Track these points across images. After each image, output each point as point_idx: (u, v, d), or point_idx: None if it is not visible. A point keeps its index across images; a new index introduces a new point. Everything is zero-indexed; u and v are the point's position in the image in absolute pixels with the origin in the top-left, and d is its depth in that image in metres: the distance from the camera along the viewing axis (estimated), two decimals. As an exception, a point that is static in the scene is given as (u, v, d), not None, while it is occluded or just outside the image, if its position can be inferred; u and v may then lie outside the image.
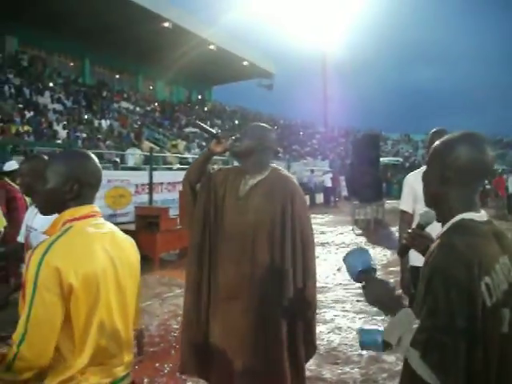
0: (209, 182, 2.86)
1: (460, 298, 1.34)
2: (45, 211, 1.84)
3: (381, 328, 1.63)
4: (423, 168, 3.85)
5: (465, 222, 1.52)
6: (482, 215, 1.55)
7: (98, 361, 1.66)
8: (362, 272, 1.68)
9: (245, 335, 2.67)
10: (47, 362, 1.56)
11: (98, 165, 1.85)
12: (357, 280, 1.69)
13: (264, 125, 3.00)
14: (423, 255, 1.93)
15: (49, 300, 1.53)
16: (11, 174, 6.48)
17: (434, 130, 3.68)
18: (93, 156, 1.85)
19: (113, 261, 1.74)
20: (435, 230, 2.11)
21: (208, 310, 2.79)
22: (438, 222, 1.72)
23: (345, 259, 1.77)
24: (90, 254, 1.66)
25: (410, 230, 1.98)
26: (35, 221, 2.95)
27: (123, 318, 1.78)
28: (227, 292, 2.72)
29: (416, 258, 3.28)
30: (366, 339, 1.67)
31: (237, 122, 37.82)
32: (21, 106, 18.20)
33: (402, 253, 2.11)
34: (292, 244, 2.74)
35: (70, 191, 1.75)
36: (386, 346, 1.59)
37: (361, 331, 1.70)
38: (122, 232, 1.92)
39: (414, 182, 3.72)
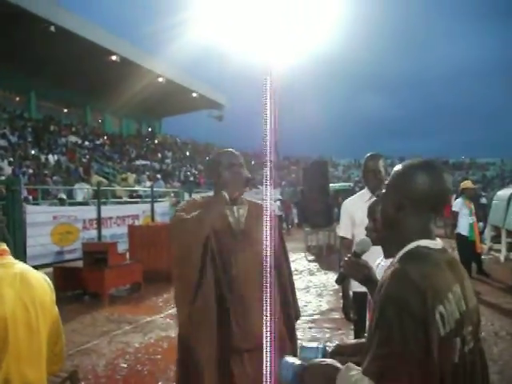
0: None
1: (414, 326, 1.31)
2: None
3: (294, 363, 1.62)
4: (360, 193, 3.93)
5: (419, 249, 1.50)
6: (437, 243, 1.54)
7: None
8: (295, 376, 1.64)
9: None
10: None
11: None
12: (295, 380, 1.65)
13: (233, 152, 2.83)
14: (360, 283, 1.95)
15: None
16: None
17: (369, 154, 3.77)
18: None
19: (23, 302, 1.67)
20: (372, 257, 2.14)
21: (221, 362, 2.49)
22: (385, 246, 1.76)
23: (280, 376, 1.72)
24: None
25: (346, 259, 1.99)
26: None
27: (36, 362, 1.70)
28: (246, 340, 2.51)
29: (358, 284, 3.30)
30: (283, 370, 1.66)
31: (188, 153, 37.75)
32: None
33: (340, 281, 2.12)
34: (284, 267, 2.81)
35: None
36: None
37: (282, 363, 1.68)
38: (34, 270, 1.84)
39: (351, 208, 3.77)
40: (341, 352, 1.87)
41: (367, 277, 1.92)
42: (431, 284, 1.38)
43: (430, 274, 1.41)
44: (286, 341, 2.68)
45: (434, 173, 1.53)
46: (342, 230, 3.84)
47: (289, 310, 2.77)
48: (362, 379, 1.35)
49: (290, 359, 1.67)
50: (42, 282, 1.83)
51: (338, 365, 1.51)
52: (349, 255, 1.99)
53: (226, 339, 2.50)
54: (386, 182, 1.67)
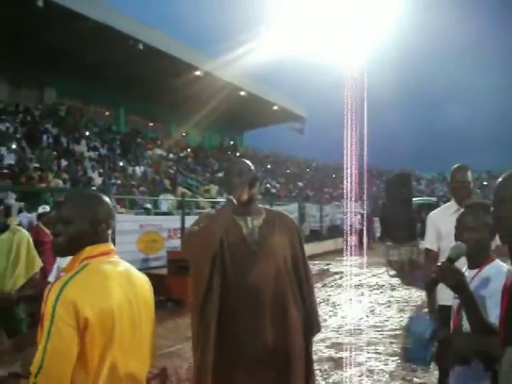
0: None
1: None
2: (66, 253, 1.90)
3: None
4: (446, 205, 3.85)
5: None
6: None
7: None
8: (433, 335, 1.68)
9: None
10: None
11: (111, 205, 1.94)
12: (432, 342, 1.69)
13: (245, 161, 2.77)
14: (452, 289, 1.93)
15: (65, 332, 1.59)
16: (43, 218, 6.72)
17: (456, 165, 3.69)
18: (104, 196, 1.94)
19: (128, 298, 1.80)
20: (461, 265, 2.11)
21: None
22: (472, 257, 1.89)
23: (408, 328, 1.76)
24: (107, 290, 1.72)
25: (439, 263, 1.98)
26: (66, 260, 3.04)
27: (137, 355, 1.82)
28: (269, 352, 2.49)
29: (443, 297, 3.22)
30: (414, 327, 1.69)
31: (269, 166, 38.07)
32: (58, 154, 18.78)
33: (431, 287, 2.11)
34: (304, 277, 2.73)
35: (95, 233, 1.83)
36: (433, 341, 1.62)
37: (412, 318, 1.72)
38: (137, 270, 1.97)
39: (437, 220, 3.70)
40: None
41: (460, 283, 1.89)
42: None
43: None
44: (301, 354, 2.61)
45: None
46: (428, 241, 3.77)
47: (306, 324, 2.68)
48: None
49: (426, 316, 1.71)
50: (144, 282, 1.97)
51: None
52: (442, 261, 1.97)
53: (235, 351, 2.46)
54: (494, 199, 1.64)
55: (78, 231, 1.81)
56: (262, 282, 2.50)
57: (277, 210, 2.90)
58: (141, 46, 21.38)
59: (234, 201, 2.45)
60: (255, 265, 2.52)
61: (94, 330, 1.64)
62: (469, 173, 3.62)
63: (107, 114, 29.35)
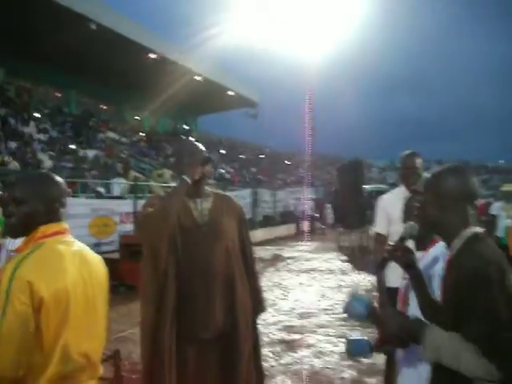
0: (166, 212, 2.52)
1: (501, 295, 1.52)
2: (20, 233, 1.87)
3: (366, 338, 1.73)
4: (396, 191, 3.96)
5: (476, 234, 1.72)
6: (482, 229, 1.76)
7: (65, 375, 1.69)
8: (367, 311, 1.75)
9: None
10: (18, 374, 1.60)
11: (63, 184, 1.92)
12: (367, 318, 1.77)
13: (196, 142, 2.79)
14: (402, 268, 2.01)
15: (20, 311, 1.58)
16: None
17: (406, 152, 3.78)
18: (56, 176, 1.93)
19: (83, 278, 1.80)
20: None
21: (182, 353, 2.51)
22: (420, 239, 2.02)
23: (347, 307, 1.82)
24: (61, 270, 1.72)
25: (391, 243, 2.05)
26: (17, 242, 2.98)
27: (92, 334, 1.82)
28: (217, 331, 2.57)
29: (392, 280, 3.33)
30: (353, 305, 1.75)
31: (223, 151, 37.99)
32: (6, 135, 18.19)
33: (382, 266, 2.18)
34: (250, 259, 2.84)
35: (48, 212, 1.82)
36: (372, 351, 1.69)
37: (349, 341, 1.77)
38: (91, 250, 1.97)
39: (386, 205, 3.80)
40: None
41: (411, 262, 1.97)
42: (499, 258, 1.62)
43: (494, 250, 1.66)
44: (248, 332, 2.70)
45: (461, 173, 1.80)
46: (378, 226, 3.86)
47: (253, 302, 2.77)
48: (465, 343, 1.52)
49: (362, 296, 1.78)
50: (98, 262, 1.97)
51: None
52: (395, 240, 2.05)
53: (188, 329, 2.51)
54: (424, 188, 1.89)
55: (31, 211, 1.80)
56: (213, 262, 2.56)
57: (223, 193, 2.94)
58: (94, 26, 20.83)
59: (188, 180, 2.48)
60: (206, 246, 2.57)
61: (49, 310, 1.63)
62: (419, 159, 3.73)
63: (58, 95, 28.56)
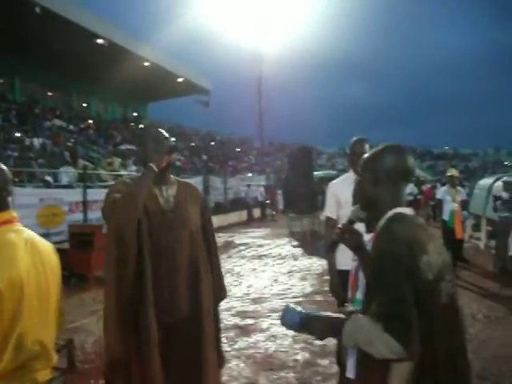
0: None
1: (406, 274, 1.58)
2: None
3: (300, 309, 1.78)
4: (344, 176, 4.06)
5: (398, 214, 1.79)
6: (409, 210, 1.84)
7: (19, 365, 1.69)
8: (300, 323, 1.79)
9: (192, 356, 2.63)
10: None
11: (8, 171, 1.89)
12: (299, 330, 1.81)
13: (161, 129, 2.82)
14: (351, 249, 2.08)
15: None
16: None
17: (355, 138, 3.88)
18: (1, 163, 1.89)
19: (35, 266, 1.79)
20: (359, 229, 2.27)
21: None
22: (368, 221, 2.01)
23: (282, 319, 1.86)
24: (13, 259, 1.70)
25: (340, 225, 2.12)
26: None
27: (46, 322, 1.82)
28: (182, 316, 2.60)
29: (343, 262, 3.42)
30: (287, 318, 1.80)
31: (173, 139, 37.54)
32: None
33: (331, 248, 2.25)
34: (212, 245, 2.91)
35: None
36: (301, 329, 1.75)
37: (284, 311, 1.83)
38: (41, 238, 1.95)
39: (336, 189, 3.90)
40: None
41: (359, 243, 2.04)
42: (414, 238, 1.67)
43: (411, 230, 1.71)
44: (211, 317, 2.77)
45: (398, 152, 1.88)
46: (328, 210, 3.96)
47: (215, 289, 2.84)
48: (370, 322, 1.58)
49: (294, 306, 1.83)
50: (50, 250, 1.96)
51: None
52: (343, 223, 2.12)
53: (156, 315, 2.52)
54: (361, 165, 1.95)
55: None
56: (178, 248, 2.61)
57: (186, 181, 2.98)
58: (38, 10, 20.16)
59: (154, 168, 2.51)
60: (171, 232, 2.61)
61: (3, 300, 1.63)
62: (367, 145, 3.83)
63: (1, 81, 27.59)
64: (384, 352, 1.55)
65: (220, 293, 2.93)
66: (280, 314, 1.83)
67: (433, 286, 1.62)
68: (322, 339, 1.80)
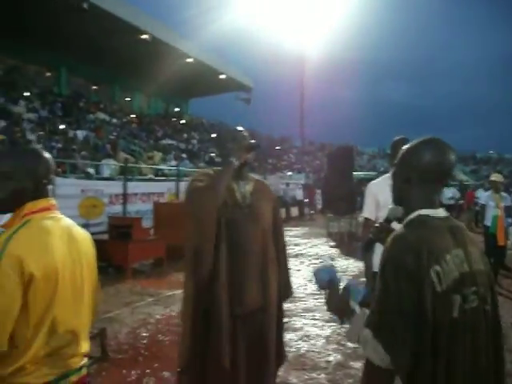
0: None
1: (408, 284, 1.47)
2: (6, 209, 1.85)
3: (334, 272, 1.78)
4: (385, 177, 3.96)
5: (420, 216, 1.66)
6: (438, 212, 1.69)
7: (51, 351, 1.69)
8: (328, 282, 1.78)
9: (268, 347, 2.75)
10: (2, 349, 1.59)
11: (51, 159, 1.90)
12: (321, 287, 1.79)
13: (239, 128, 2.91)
14: None
15: (8, 288, 1.58)
16: None
17: (399, 137, 3.75)
18: (44, 152, 1.90)
19: (71, 254, 1.79)
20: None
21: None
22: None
23: (315, 272, 1.85)
24: (50, 246, 1.71)
25: (377, 224, 2.05)
26: (3, 219, 2.95)
27: (79, 311, 1.82)
28: (250, 309, 2.69)
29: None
30: (320, 274, 1.80)
31: (214, 135, 37.81)
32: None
33: (368, 247, 2.19)
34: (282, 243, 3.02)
35: (35, 188, 1.80)
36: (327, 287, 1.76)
37: (321, 269, 1.82)
38: (78, 226, 1.96)
39: (376, 191, 3.79)
40: None
41: None
42: (427, 246, 1.54)
43: (426, 237, 1.57)
44: (276, 311, 2.86)
45: (437, 147, 1.70)
46: (366, 211, 3.86)
47: (281, 286, 2.91)
48: (364, 329, 1.54)
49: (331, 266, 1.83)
50: (86, 239, 1.96)
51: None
52: (380, 221, 2.05)
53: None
54: (396, 162, 1.83)
55: (18, 186, 1.78)
56: (251, 243, 2.69)
57: (261, 179, 3.06)
58: (85, 5, 20.55)
59: (235, 163, 2.62)
60: (246, 227, 2.69)
61: (38, 285, 1.63)
62: None
63: (48, 74, 28.24)
64: (373, 358, 1.51)
65: (287, 290, 3.02)
66: (318, 265, 1.83)
67: (442, 298, 1.51)
68: (328, 310, 1.77)
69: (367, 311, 1.62)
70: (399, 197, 1.80)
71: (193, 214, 2.63)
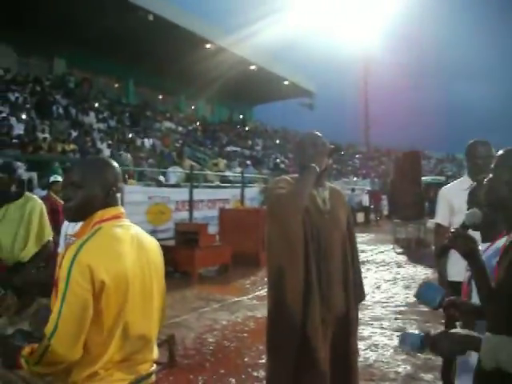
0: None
1: None
2: (77, 217, 1.89)
3: (421, 333, 1.68)
4: (460, 180, 3.78)
5: None
6: None
7: (123, 357, 1.71)
8: (423, 343, 1.70)
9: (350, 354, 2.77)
10: (77, 357, 1.62)
11: (119, 168, 1.94)
12: (421, 350, 1.71)
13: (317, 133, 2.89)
14: (463, 257, 1.88)
15: (80, 296, 1.60)
16: (54, 187, 6.79)
17: (476, 140, 3.53)
18: (112, 161, 1.94)
19: (140, 261, 1.80)
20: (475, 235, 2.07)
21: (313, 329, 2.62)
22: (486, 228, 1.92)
23: (402, 343, 1.78)
24: (120, 253, 1.73)
25: (453, 230, 1.93)
26: (77, 227, 3.02)
27: (148, 318, 1.83)
28: (336, 312, 2.70)
29: (455, 273, 3.18)
30: (407, 341, 1.72)
31: (278, 141, 37.90)
32: (67, 125, 18.81)
33: (442, 253, 2.09)
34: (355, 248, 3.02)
35: (105, 196, 1.83)
36: (422, 349, 1.65)
37: (403, 335, 1.75)
38: (148, 234, 1.97)
39: (450, 195, 3.61)
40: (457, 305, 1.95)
41: (473, 251, 1.83)
42: None
43: None
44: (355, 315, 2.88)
45: None
46: (440, 216, 3.68)
47: (356, 290, 2.90)
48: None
49: (411, 331, 1.75)
50: (155, 246, 1.97)
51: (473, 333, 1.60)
52: (456, 227, 1.93)
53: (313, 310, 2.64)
54: (494, 164, 1.72)
55: (88, 195, 1.81)
56: (334, 248, 2.72)
57: (335, 186, 3.05)
58: (151, 17, 21.18)
59: (317, 169, 2.62)
60: (327, 232, 2.71)
61: (110, 293, 1.65)
62: (493, 149, 3.47)
63: (116, 85, 29.22)
64: None
65: (360, 295, 3.01)
66: (399, 338, 1.73)
67: None
68: (450, 357, 1.66)
69: (492, 335, 1.52)
70: (501, 200, 1.68)
71: (278, 221, 2.65)
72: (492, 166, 1.74)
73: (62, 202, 6.26)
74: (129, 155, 17.50)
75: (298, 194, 2.55)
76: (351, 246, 2.91)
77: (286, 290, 2.63)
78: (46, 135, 16.52)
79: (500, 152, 1.74)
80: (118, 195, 1.93)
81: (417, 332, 1.72)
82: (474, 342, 1.52)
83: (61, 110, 19.99)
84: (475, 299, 2.00)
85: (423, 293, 1.76)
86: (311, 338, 2.59)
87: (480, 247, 2.13)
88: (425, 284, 1.78)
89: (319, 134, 2.85)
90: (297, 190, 2.57)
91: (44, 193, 7.50)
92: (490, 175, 1.74)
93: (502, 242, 2.04)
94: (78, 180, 1.81)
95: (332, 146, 2.77)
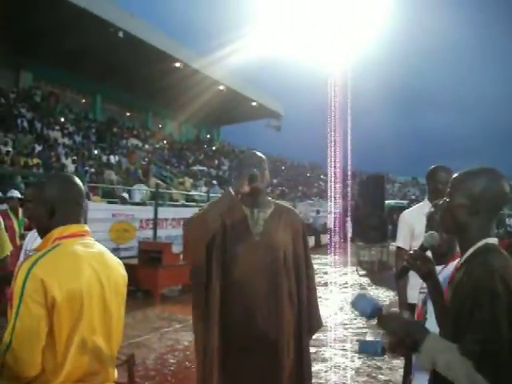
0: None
1: (503, 311, 1.45)
2: (39, 232, 1.91)
3: (378, 339, 1.72)
4: (420, 205, 3.87)
5: (491, 245, 1.65)
6: (496, 240, 1.69)
7: (80, 377, 1.68)
8: (375, 309, 1.74)
9: None
10: (34, 372, 1.59)
11: (82, 185, 1.92)
12: (371, 316, 1.75)
13: (259, 154, 2.80)
14: (422, 278, 1.94)
15: (34, 311, 1.58)
16: (11, 203, 6.77)
17: (438, 165, 3.58)
18: (76, 178, 1.93)
19: (100, 280, 1.79)
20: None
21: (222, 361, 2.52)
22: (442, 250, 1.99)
23: (355, 302, 1.82)
24: (76, 271, 1.71)
25: (411, 252, 1.97)
26: (35, 243, 2.99)
27: (107, 337, 1.81)
28: (247, 338, 2.54)
29: (415, 296, 3.24)
30: (367, 349, 1.76)
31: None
32: (32, 139, 18.52)
33: (401, 275, 2.11)
34: (304, 274, 2.77)
35: (65, 214, 1.82)
36: (384, 353, 1.70)
37: (361, 343, 1.79)
38: (110, 253, 1.96)
39: (410, 219, 3.70)
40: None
41: (431, 272, 1.89)
42: (510, 273, 1.53)
43: (507, 264, 1.57)
44: (291, 345, 2.64)
45: (497, 177, 1.68)
46: (401, 240, 3.76)
47: (306, 320, 2.72)
48: (459, 355, 1.46)
49: (370, 295, 1.77)
50: (117, 265, 1.96)
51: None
52: (415, 249, 1.98)
53: (229, 338, 2.52)
54: (449, 187, 1.77)
55: (47, 212, 1.81)
56: (259, 272, 2.56)
57: (286, 205, 2.93)
58: (121, 34, 21.13)
59: (231, 192, 2.51)
60: (255, 255, 2.58)
61: (61, 310, 1.63)
62: (454, 174, 3.54)
63: (84, 101, 28.94)
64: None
65: (314, 323, 2.80)
66: (352, 298, 1.78)
67: None
68: (391, 335, 1.69)
69: (438, 336, 1.58)
70: (458, 225, 1.72)
71: (186, 245, 2.61)
72: (448, 189, 1.78)
73: (13, 218, 6.21)
74: (113, 174, 17.31)
75: (202, 218, 2.49)
76: (298, 271, 2.73)
77: (193, 314, 2.62)
78: (9, 149, 16.24)
79: (455, 175, 1.78)
80: (82, 212, 1.92)
81: (369, 298, 1.78)
82: (419, 332, 1.57)
83: (25, 124, 19.69)
84: (430, 321, 2.05)
85: (356, 303, 1.81)
86: (207, 365, 2.50)
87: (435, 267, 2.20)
88: (358, 295, 1.82)
89: (258, 155, 2.75)
90: (203, 213, 2.50)
91: (4, 207, 7.38)
92: (446, 199, 1.79)
93: (454, 264, 2.11)
94: (38, 197, 1.84)
95: (253, 172, 2.56)
